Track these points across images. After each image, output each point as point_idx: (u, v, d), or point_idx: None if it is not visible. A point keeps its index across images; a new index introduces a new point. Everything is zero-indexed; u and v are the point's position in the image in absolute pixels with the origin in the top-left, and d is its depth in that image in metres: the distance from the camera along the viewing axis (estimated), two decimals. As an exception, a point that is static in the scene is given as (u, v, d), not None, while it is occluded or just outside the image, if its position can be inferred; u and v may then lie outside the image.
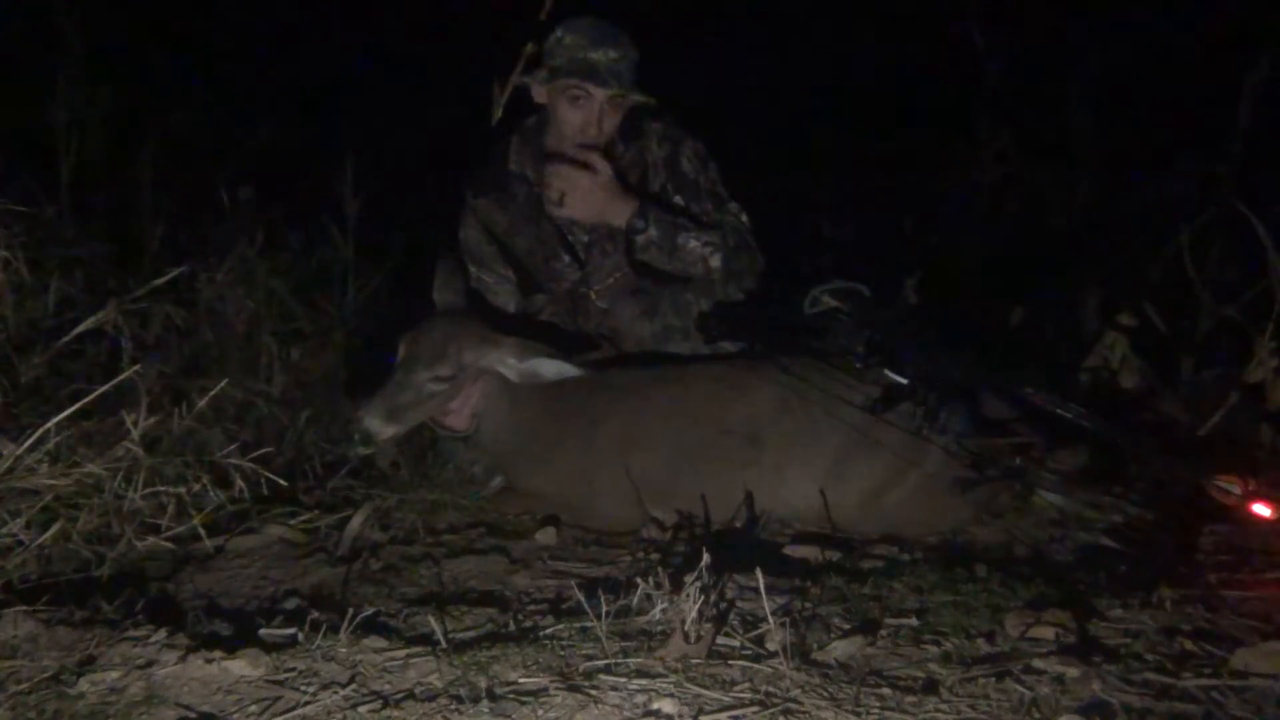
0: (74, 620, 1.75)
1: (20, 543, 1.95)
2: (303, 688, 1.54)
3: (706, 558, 1.65)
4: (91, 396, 2.08)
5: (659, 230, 2.67)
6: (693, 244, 2.69)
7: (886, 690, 1.49)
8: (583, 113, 2.72)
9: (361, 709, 1.47)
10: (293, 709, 1.48)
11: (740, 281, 2.77)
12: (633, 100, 2.77)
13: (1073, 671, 1.51)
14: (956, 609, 1.78)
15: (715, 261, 2.71)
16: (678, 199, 2.83)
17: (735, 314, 2.63)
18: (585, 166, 2.65)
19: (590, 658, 1.60)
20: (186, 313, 3.03)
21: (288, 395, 3.04)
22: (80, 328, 2.46)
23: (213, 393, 2.40)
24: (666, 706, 1.44)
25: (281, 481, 2.30)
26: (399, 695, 1.51)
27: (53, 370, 2.54)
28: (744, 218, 2.84)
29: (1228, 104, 3.33)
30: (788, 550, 2.17)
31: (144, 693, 1.52)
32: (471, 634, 1.77)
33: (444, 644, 1.67)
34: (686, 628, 1.59)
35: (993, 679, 1.51)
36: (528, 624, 1.79)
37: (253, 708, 1.49)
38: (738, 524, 2.31)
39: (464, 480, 2.70)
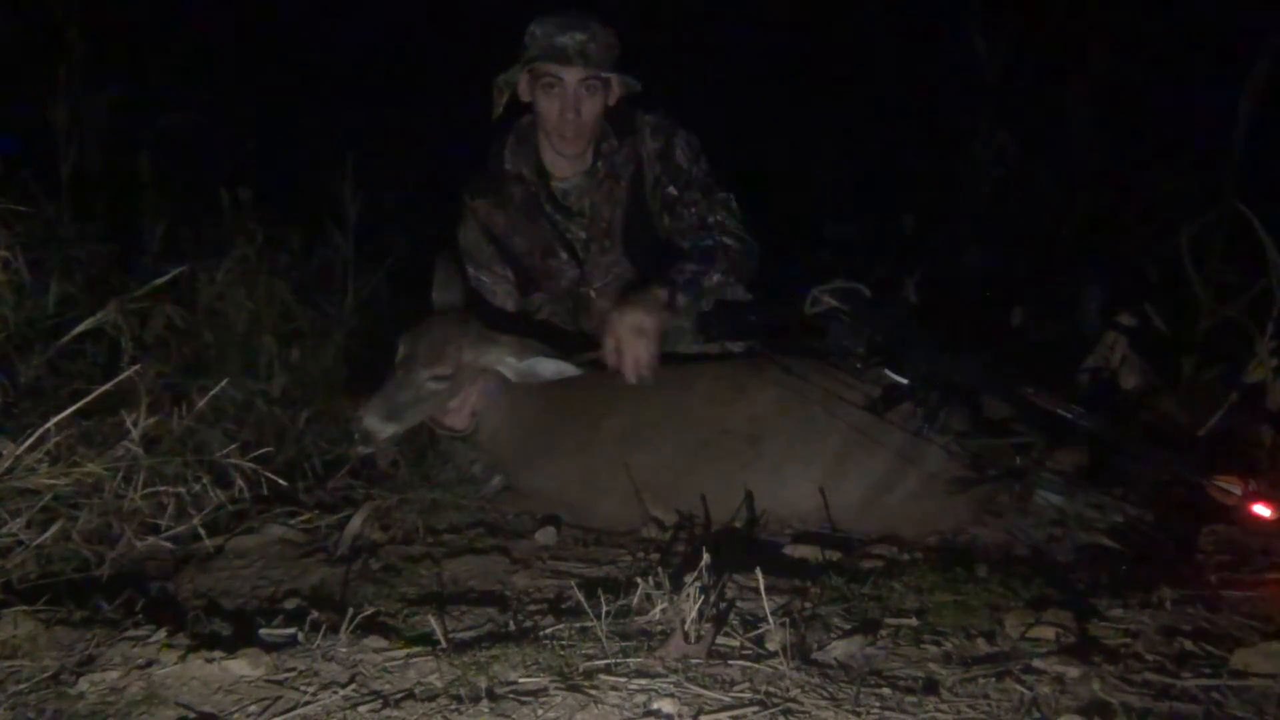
0: (74, 620, 1.75)
1: (20, 543, 1.95)
2: (303, 688, 1.54)
3: (706, 558, 1.65)
4: (91, 396, 2.08)
5: (688, 295, 2.62)
6: (717, 278, 2.68)
7: (886, 690, 1.49)
8: (558, 99, 2.71)
9: (361, 709, 1.47)
10: (293, 709, 1.48)
11: (743, 277, 2.76)
12: (615, 84, 2.76)
13: (1073, 671, 1.51)
14: (956, 609, 1.78)
15: (729, 276, 2.71)
16: (670, 189, 2.83)
17: (735, 314, 2.63)
18: (611, 320, 2.53)
19: (590, 658, 1.60)
20: (186, 313, 3.03)
21: (288, 395, 3.04)
22: (80, 328, 2.45)
23: (212, 392, 2.40)
24: (666, 706, 1.44)
25: (281, 481, 2.29)
26: (399, 695, 1.51)
27: (53, 370, 2.54)
28: (733, 204, 2.83)
29: (1227, 104, 3.33)
30: (788, 550, 2.17)
31: (144, 693, 1.52)
32: (471, 634, 1.77)
33: (444, 644, 1.67)
34: (686, 628, 1.59)
35: (993, 679, 1.51)
36: (528, 624, 1.79)
37: (253, 708, 1.49)
38: (738, 524, 2.31)
39: (464, 480, 2.70)
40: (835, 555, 2.13)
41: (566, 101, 2.70)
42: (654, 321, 2.50)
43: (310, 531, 2.37)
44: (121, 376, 2.18)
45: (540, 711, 1.45)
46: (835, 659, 1.61)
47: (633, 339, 2.47)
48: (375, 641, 1.68)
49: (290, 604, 1.95)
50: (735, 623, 1.71)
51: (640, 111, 2.86)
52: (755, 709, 1.43)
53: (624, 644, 1.65)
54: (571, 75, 2.68)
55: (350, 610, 1.74)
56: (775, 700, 1.46)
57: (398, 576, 2.10)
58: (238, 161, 4.20)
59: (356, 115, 5.29)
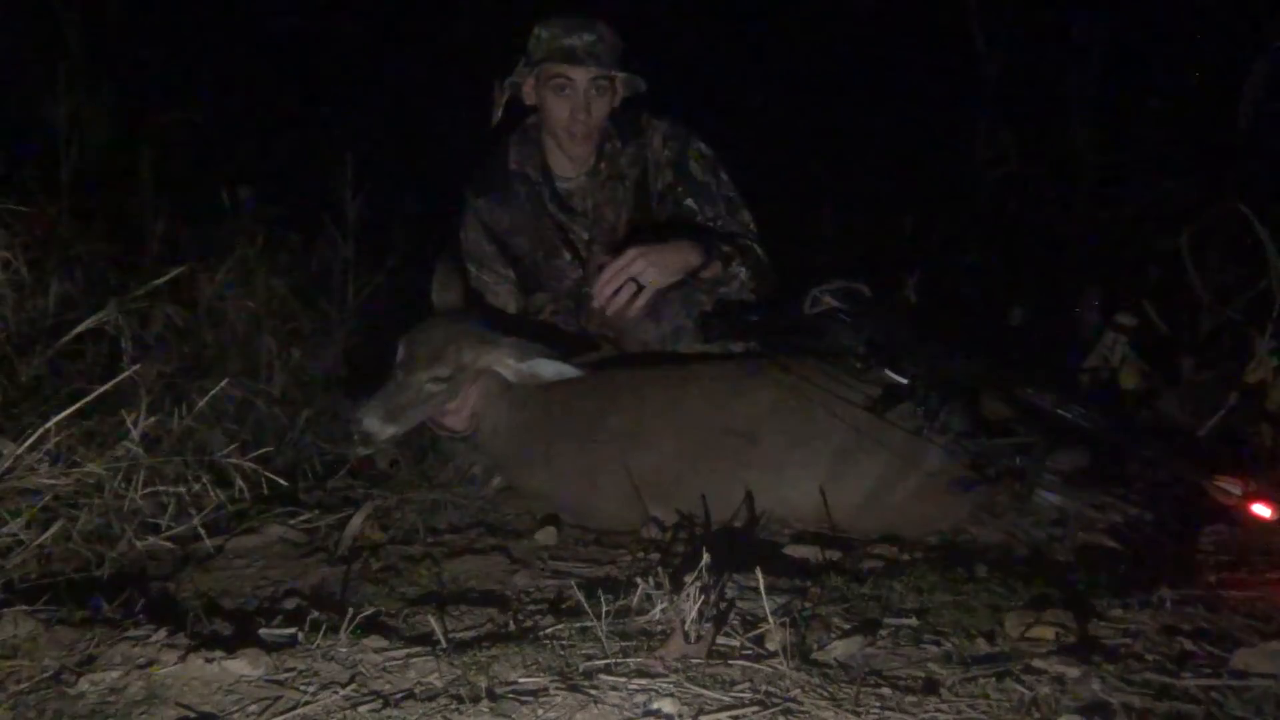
0: (74, 620, 1.75)
1: (20, 542, 1.95)
2: (303, 688, 1.54)
3: (706, 558, 1.65)
4: (91, 396, 2.08)
5: (721, 263, 2.64)
6: (744, 272, 2.69)
7: (886, 690, 1.49)
8: (568, 100, 2.71)
9: (361, 709, 1.47)
10: (293, 709, 1.48)
11: (758, 290, 2.77)
12: (620, 84, 2.76)
13: (1073, 671, 1.51)
14: (956, 609, 1.78)
15: (751, 282, 2.72)
16: (689, 202, 2.83)
17: (735, 314, 2.63)
18: (627, 254, 2.51)
19: (590, 658, 1.60)
20: (186, 313, 3.03)
21: (288, 395, 3.04)
22: (80, 328, 2.45)
23: (213, 393, 2.40)
24: (666, 706, 1.44)
25: (281, 481, 2.30)
26: (399, 695, 1.51)
27: (53, 370, 2.54)
28: (753, 225, 2.84)
29: (1228, 104, 3.34)
30: (788, 550, 2.17)
31: (144, 693, 1.52)
32: (471, 634, 1.77)
33: (444, 644, 1.67)
34: (686, 628, 1.59)
35: (993, 679, 1.51)
36: (528, 624, 1.79)
37: (253, 708, 1.49)
38: (738, 524, 2.31)
39: (464, 480, 2.70)
40: (835, 555, 2.13)
41: (577, 102, 2.70)
42: (662, 279, 2.51)
43: (310, 531, 2.37)
44: (121, 376, 2.18)
45: (540, 711, 1.45)
46: (835, 659, 1.61)
47: (630, 284, 2.48)
48: (375, 641, 1.67)
49: (290, 604, 1.95)
50: (735, 623, 1.71)
51: (647, 114, 2.86)
52: (755, 709, 1.43)
53: (624, 644, 1.65)
54: (582, 76, 2.68)
55: (350, 610, 1.74)
56: (775, 700, 1.46)
57: (398, 576, 2.10)
58: (238, 161, 4.20)
59: (356, 115, 5.29)
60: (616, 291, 2.50)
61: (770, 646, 1.62)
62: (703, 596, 1.61)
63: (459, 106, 3.39)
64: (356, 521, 2.34)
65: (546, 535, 2.32)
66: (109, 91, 3.88)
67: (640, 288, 2.51)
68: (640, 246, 2.51)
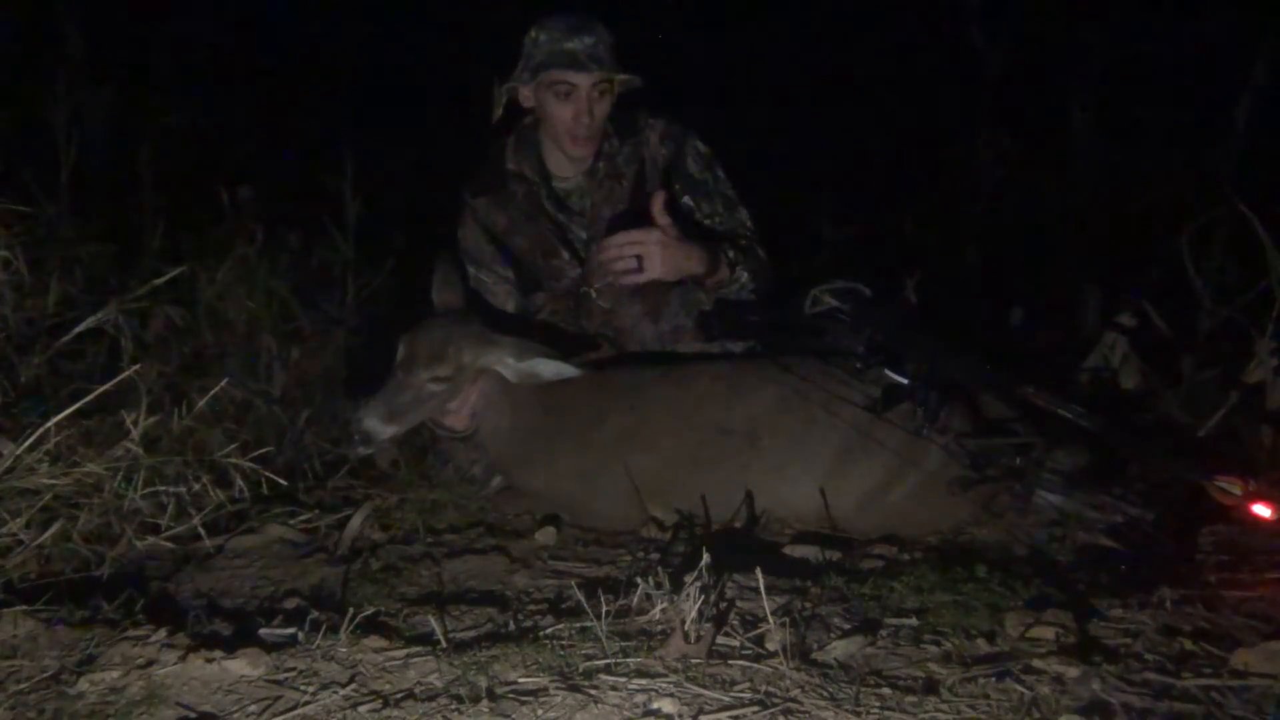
0: (74, 620, 1.75)
1: (20, 542, 1.95)
2: (303, 687, 1.54)
3: (706, 558, 1.65)
4: (91, 396, 2.08)
5: (727, 271, 2.64)
6: (745, 276, 2.69)
7: (886, 690, 1.49)
8: (571, 105, 2.69)
9: (361, 709, 1.47)
10: (293, 709, 1.48)
11: (758, 289, 2.77)
12: (620, 85, 2.75)
13: (1073, 671, 1.51)
14: (956, 609, 1.78)
15: (751, 284, 2.72)
16: (686, 199, 2.83)
17: (735, 314, 2.63)
18: (652, 227, 2.50)
19: (590, 658, 1.60)
20: (186, 313, 3.03)
21: (288, 395, 3.04)
22: (80, 327, 2.46)
23: (212, 392, 2.40)
24: (666, 706, 1.44)
25: (281, 481, 2.30)
26: (399, 695, 1.51)
27: (53, 370, 2.54)
28: (750, 223, 2.84)
29: (1228, 104, 3.34)
30: (788, 550, 2.17)
31: (144, 693, 1.52)
32: (471, 634, 1.77)
33: (444, 644, 1.67)
34: (686, 628, 1.59)
35: (993, 679, 1.51)
36: (528, 624, 1.80)
37: (253, 708, 1.49)
38: (738, 524, 2.31)
39: (464, 480, 2.70)
40: (835, 555, 2.13)
41: (580, 107, 2.68)
42: (661, 274, 2.51)
43: (310, 531, 2.37)
44: (121, 376, 2.18)
45: (540, 711, 1.45)
46: (835, 659, 1.61)
47: (631, 259, 2.48)
48: (375, 641, 1.68)
49: (290, 604, 1.95)
50: (735, 623, 1.71)
51: (644, 112, 2.85)
52: (755, 709, 1.44)
53: (624, 644, 1.65)
54: (585, 81, 2.66)
55: (350, 610, 1.74)
56: (775, 700, 1.46)
57: (398, 576, 2.10)
58: (238, 161, 4.20)
59: (357, 115, 5.30)
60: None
61: (770, 646, 1.62)
62: (703, 596, 1.61)
63: (459, 106, 3.39)
64: (356, 521, 2.34)
65: (546, 535, 2.32)
66: (109, 91, 3.87)
67: (639, 269, 2.51)
68: (663, 236, 2.50)
